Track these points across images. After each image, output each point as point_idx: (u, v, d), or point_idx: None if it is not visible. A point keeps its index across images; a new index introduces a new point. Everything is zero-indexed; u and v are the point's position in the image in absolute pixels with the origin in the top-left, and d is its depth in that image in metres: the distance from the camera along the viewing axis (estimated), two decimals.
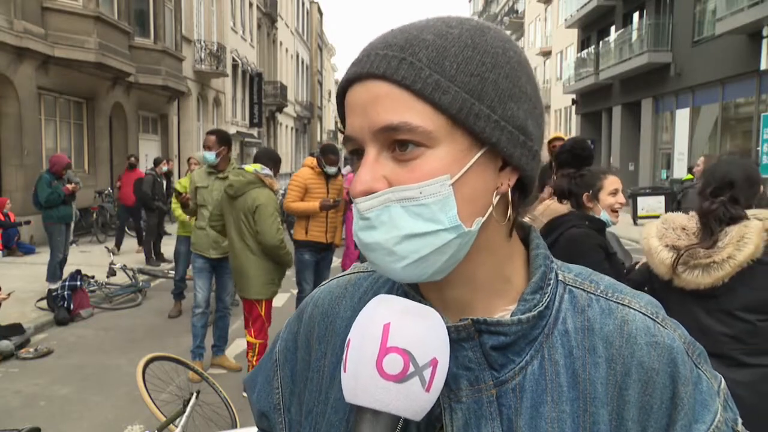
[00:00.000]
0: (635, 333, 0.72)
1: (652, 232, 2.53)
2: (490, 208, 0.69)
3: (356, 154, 0.70)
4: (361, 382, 0.64)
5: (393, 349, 0.63)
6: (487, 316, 0.71)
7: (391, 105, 0.65)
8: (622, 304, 0.74)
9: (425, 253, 0.66)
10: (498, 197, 0.70)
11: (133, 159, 12.42)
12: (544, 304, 0.72)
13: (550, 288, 0.73)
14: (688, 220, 2.47)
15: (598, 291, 0.75)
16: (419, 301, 0.72)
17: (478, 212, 0.68)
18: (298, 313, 0.89)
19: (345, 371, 0.66)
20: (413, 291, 0.76)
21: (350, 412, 0.75)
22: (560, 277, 0.76)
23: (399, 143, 0.66)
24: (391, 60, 0.66)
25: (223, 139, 5.63)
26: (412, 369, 0.63)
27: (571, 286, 0.75)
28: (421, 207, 0.65)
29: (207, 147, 5.60)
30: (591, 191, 2.91)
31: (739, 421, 0.76)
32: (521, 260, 0.76)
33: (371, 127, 0.66)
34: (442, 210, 0.65)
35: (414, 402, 0.63)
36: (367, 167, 0.67)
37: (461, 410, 0.70)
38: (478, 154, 0.67)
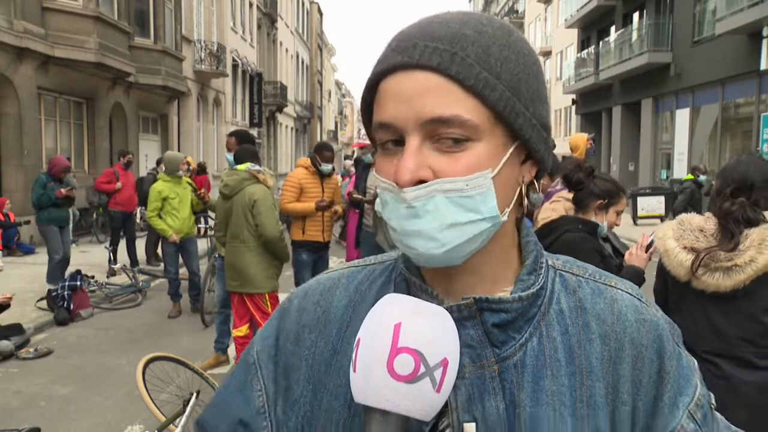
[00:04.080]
0: (625, 311, 0.77)
1: (669, 234, 2.49)
2: (514, 199, 0.74)
3: (387, 143, 0.71)
4: (371, 382, 0.64)
5: (404, 349, 0.63)
6: (485, 295, 0.74)
7: (442, 98, 0.67)
8: (609, 286, 0.80)
9: (464, 240, 0.69)
10: (521, 188, 0.74)
11: (131, 156, 11.22)
12: (540, 284, 0.76)
13: (543, 270, 0.78)
14: (705, 222, 2.44)
15: (587, 274, 0.81)
16: (420, 286, 0.76)
17: (507, 202, 0.72)
18: (281, 309, 0.89)
19: (355, 371, 0.66)
20: (420, 279, 0.77)
21: (352, 399, 0.75)
22: (550, 263, 0.81)
23: (442, 135, 0.68)
24: (443, 53, 0.67)
25: (243, 140, 5.72)
26: (423, 369, 0.63)
27: (561, 270, 0.80)
28: (465, 198, 0.68)
29: (228, 149, 5.69)
30: (606, 201, 2.85)
31: (713, 397, 0.81)
32: (516, 246, 0.80)
33: (419, 117, 0.67)
34: (483, 202, 0.69)
35: (424, 402, 0.64)
36: (412, 156, 0.68)
37: (464, 386, 0.72)
38: (512, 149, 0.71)
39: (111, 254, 9.96)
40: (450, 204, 0.68)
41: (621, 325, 0.75)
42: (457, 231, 0.68)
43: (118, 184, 10.40)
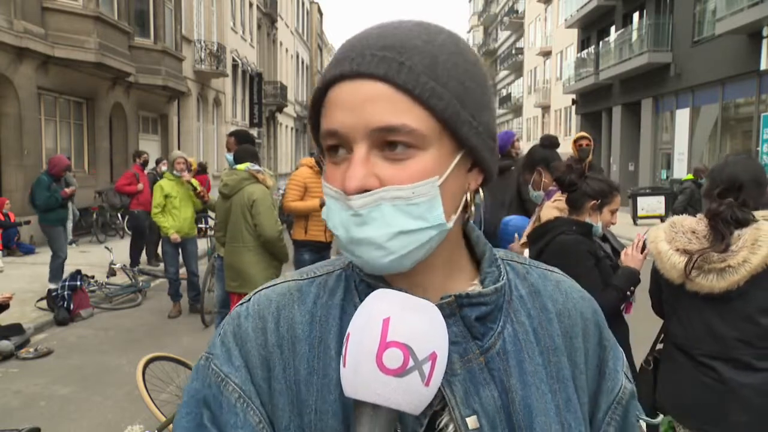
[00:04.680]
0: (569, 290, 0.85)
1: (661, 236, 2.48)
2: (461, 205, 0.75)
3: (332, 149, 0.72)
4: (360, 376, 0.64)
5: (393, 343, 0.64)
6: (460, 291, 0.76)
7: (390, 107, 0.67)
8: (549, 270, 0.87)
9: (411, 248, 0.70)
10: (468, 195, 0.76)
11: (146, 156, 11.30)
12: (504, 275, 0.80)
13: (498, 261, 0.82)
14: (697, 223, 2.42)
15: (527, 263, 0.87)
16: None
17: (454, 209, 0.74)
18: (233, 334, 0.79)
19: (345, 366, 0.66)
20: (380, 282, 0.76)
21: (350, 413, 0.73)
22: (497, 255, 0.84)
23: (389, 143, 0.68)
24: (391, 62, 0.68)
25: (243, 140, 5.72)
26: (411, 363, 0.64)
27: (507, 260, 0.85)
28: (411, 206, 0.69)
29: (228, 149, 5.70)
30: (600, 201, 2.85)
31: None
32: (463, 244, 0.83)
33: (366, 126, 0.68)
34: (429, 209, 0.69)
35: (413, 396, 0.64)
36: (359, 165, 0.68)
37: (459, 382, 0.74)
38: (458, 157, 0.72)
39: (138, 254, 10.35)
40: (396, 212, 0.68)
41: (570, 303, 0.83)
42: (406, 239, 0.69)
43: (140, 185, 10.46)
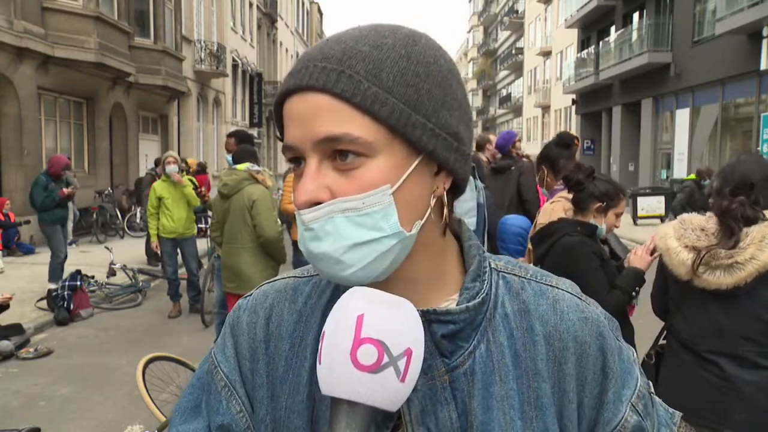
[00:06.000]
0: (567, 310, 0.78)
1: (670, 233, 2.49)
2: (428, 211, 0.73)
3: (296, 161, 0.72)
4: (335, 373, 0.64)
5: (367, 339, 0.63)
6: (432, 307, 0.74)
7: (331, 117, 0.67)
8: (550, 286, 0.80)
9: (370, 259, 0.68)
10: (435, 200, 0.73)
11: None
12: (485, 291, 0.77)
13: (486, 275, 0.78)
14: (707, 221, 2.44)
15: (528, 275, 0.81)
16: None
17: (417, 216, 0.71)
18: (231, 325, 0.86)
19: (320, 363, 0.66)
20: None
21: (313, 415, 0.76)
22: (492, 265, 0.81)
23: (339, 153, 0.68)
24: (330, 72, 0.67)
25: (242, 141, 5.73)
26: (386, 359, 0.63)
27: (504, 272, 0.81)
28: (364, 217, 0.68)
29: (227, 150, 5.70)
30: (605, 203, 2.84)
31: (651, 384, 0.85)
32: (455, 253, 0.80)
33: (312, 138, 0.68)
34: (384, 218, 0.68)
35: (389, 393, 0.64)
36: (310, 177, 0.68)
37: (417, 398, 0.72)
38: (416, 162, 0.70)
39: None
40: (349, 224, 0.67)
41: (564, 325, 0.77)
42: (363, 250, 0.68)
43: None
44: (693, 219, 2.50)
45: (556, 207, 3.26)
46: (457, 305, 0.74)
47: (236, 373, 0.82)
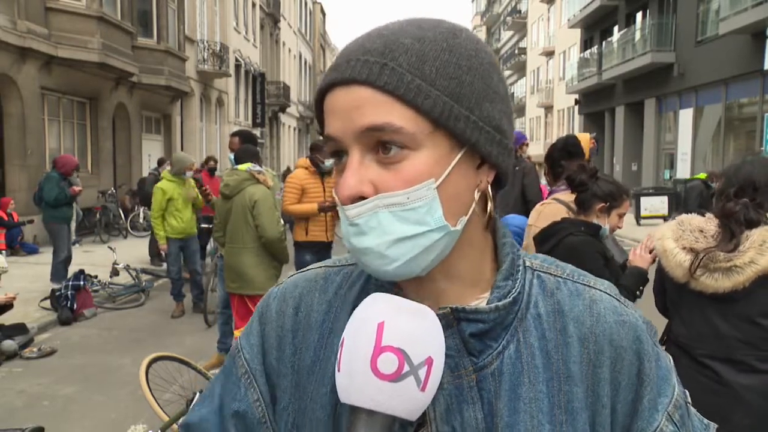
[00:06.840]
0: (604, 312, 0.75)
1: (668, 234, 2.46)
2: (473, 206, 0.72)
3: (337, 155, 0.72)
4: (355, 381, 0.63)
5: (387, 348, 0.63)
6: (462, 305, 0.72)
7: (375, 109, 0.67)
8: (588, 286, 0.78)
9: (415, 253, 0.68)
10: (479, 194, 0.73)
11: (212, 163, 9.94)
12: (517, 290, 0.75)
13: (520, 274, 0.77)
14: (706, 222, 2.40)
15: (565, 274, 0.79)
16: (395, 293, 0.73)
17: (462, 210, 0.71)
18: (260, 313, 0.86)
19: (339, 371, 0.65)
20: (389, 284, 0.77)
21: (336, 408, 0.76)
22: (527, 264, 0.79)
23: (383, 146, 0.67)
24: (373, 65, 0.67)
25: (246, 140, 5.74)
26: (407, 368, 0.62)
27: (539, 271, 0.79)
28: (408, 211, 0.67)
29: (231, 149, 5.72)
30: (608, 204, 2.82)
31: (688, 395, 0.81)
32: (490, 250, 0.79)
33: (355, 128, 0.67)
34: (428, 213, 0.67)
35: (409, 402, 0.63)
36: (353, 171, 0.68)
37: (443, 396, 0.71)
38: (459, 155, 0.69)
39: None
40: (394, 218, 0.67)
41: (600, 328, 0.74)
42: (407, 245, 0.67)
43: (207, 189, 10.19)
44: (692, 220, 2.45)
45: (545, 209, 3.24)
46: (487, 304, 0.73)
47: (257, 362, 0.82)
